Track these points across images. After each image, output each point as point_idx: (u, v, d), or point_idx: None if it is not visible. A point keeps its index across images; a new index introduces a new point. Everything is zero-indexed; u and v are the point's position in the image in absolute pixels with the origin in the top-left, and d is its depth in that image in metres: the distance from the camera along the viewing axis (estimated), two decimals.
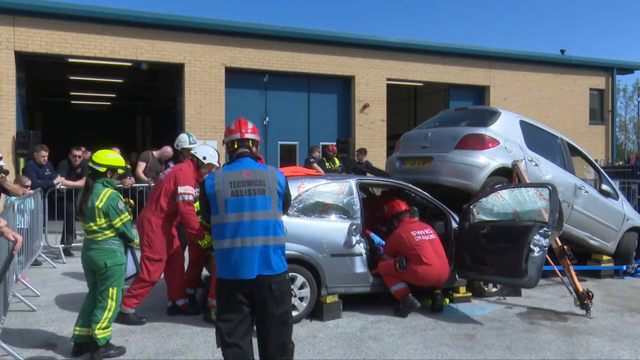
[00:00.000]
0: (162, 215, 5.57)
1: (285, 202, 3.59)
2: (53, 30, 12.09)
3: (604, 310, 6.27)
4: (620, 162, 21.13)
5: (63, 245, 8.83)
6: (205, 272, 6.27)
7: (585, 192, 7.76)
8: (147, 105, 23.64)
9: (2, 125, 11.66)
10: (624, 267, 8.23)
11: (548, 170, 7.39)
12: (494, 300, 6.58)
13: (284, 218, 3.60)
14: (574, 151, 8.18)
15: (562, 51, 19.33)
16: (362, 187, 6.67)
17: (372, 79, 15.39)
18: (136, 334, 5.13)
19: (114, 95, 21.67)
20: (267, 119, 14.44)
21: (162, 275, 5.74)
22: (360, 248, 5.86)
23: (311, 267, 5.60)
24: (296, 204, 5.66)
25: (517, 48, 34.58)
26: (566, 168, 7.73)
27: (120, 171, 4.79)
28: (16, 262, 6.02)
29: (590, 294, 6.13)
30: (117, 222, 4.56)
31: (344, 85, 15.50)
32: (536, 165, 7.26)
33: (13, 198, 6.93)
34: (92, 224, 4.53)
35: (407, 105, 20.53)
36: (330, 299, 5.69)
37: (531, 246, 5.44)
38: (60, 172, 8.88)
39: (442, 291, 6.14)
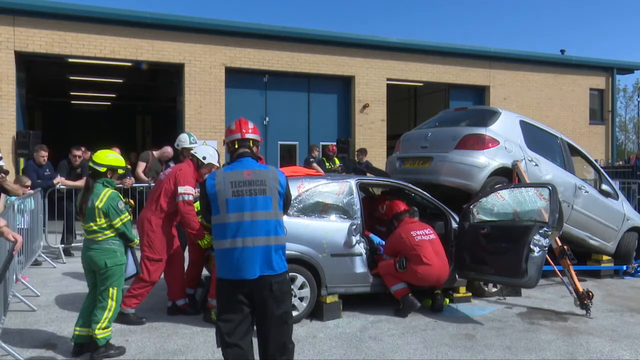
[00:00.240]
0: (162, 215, 5.57)
1: (285, 202, 3.59)
2: (53, 30, 12.09)
3: (604, 310, 6.27)
4: (620, 162, 21.13)
5: (63, 245, 8.83)
6: (205, 272, 6.27)
7: (585, 192, 7.76)
8: (147, 105, 23.64)
9: (2, 125, 11.67)
10: (624, 267, 8.23)
11: (548, 170, 7.39)
12: (494, 300, 6.58)
13: (284, 218, 3.60)
14: (574, 151, 8.18)
15: (562, 51, 19.33)
16: (362, 187, 6.66)
17: (372, 79, 15.39)
18: (136, 334, 5.13)
19: (114, 95, 21.67)
20: (267, 119, 14.44)
21: (162, 275, 5.74)
22: (360, 248, 5.86)
23: (311, 267, 5.60)
24: (296, 204, 5.66)
25: (517, 48, 34.63)
26: (566, 168, 7.73)
27: (120, 171, 4.79)
28: (16, 262, 6.02)
29: (590, 294, 6.13)
30: (117, 222, 4.56)
31: (344, 85, 15.51)
32: (536, 165, 7.26)
33: (13, 198, 6.94)
34: (92, 224, 4.53)
35: (407, 105, 20.53)
36: (330, 299, 5.69)
37: (531, 246, 5.44)
38: (60, 172, 8.88)
39: (442, 291, 6.14)
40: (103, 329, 4.46)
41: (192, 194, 5.55)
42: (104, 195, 4.54)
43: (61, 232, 9.00)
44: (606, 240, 8.08)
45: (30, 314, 5.70)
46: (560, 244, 6.44)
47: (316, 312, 5.67)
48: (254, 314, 3.39)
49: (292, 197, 5.37)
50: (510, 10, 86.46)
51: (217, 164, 5.77)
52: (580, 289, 6.09)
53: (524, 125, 7.53)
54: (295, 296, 5.41)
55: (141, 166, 8.93)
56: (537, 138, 7.60)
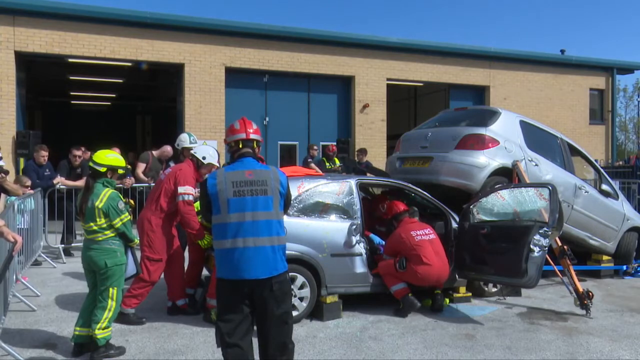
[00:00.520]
0: (162, 215, 5.57)
1: (285, 202, 3.59)
2: (53, 30, 12.08)
3: (604, 310, 6.27)
4: (620, 162, 21.12)
5: (63, 245, 8.83)
6: (205, 272, 6.27)
7: (585, 192, 7.76)
8: (147, 105, 23.64)
9: (2, 125, 11.66)
10: (624, 267, 8.23)
11: (548, 170, 7.39)
12: (494, 300, 6.58)
13: (284, 218, 3.60)
14: (574, 151, 8.18)
15: (562, 51, 19.32)
16: (362, 187, 6.66)
17: (372, 79, 15.39)
18: (136, 334, 5.13)
19: (114, 95, 21.67)
20: (267, 119, 14.44)
21: (162, 275, 5.74)
22: (360, 248, 5.86)
23: (311, 267, 5.59)
24: (296, 204, 5.66)
25: (517, 48, 34.61)
26: (566, 168, 7.73)
27: (120, 171, 4.79)
28: (16, 262, 6.02)
29: (590, 294, 6.13)
30: (117, 222, 4.56)
31: (344, 85, 15.50)
32: (536, 165, 7.26)
33: (13, 198, 6.94)
34: (92, 224, 4.53)
35: (407, 105, 20.52)
36: (330, 299, 5.69)
37: (531, 246, 5.44)
38: (60, 172, 8.88)
39: (442, 291, 6.14)
40: (103, 329, 4.46)
41: (192, 194, 5.55)
42: (104, 195, 4.54)
43: (61, 232, 9.00)
44: (606, 240, 8.08)
45: (30, 314, 5.69)
46: (560, 244, 6.44)
47: (316, 312, 5.67)
48: (254, 314, 3.39)
49: (292, 197, 5.38)
50: (510, 10, 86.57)
51: (217, 164, 5.78)
52: (580, 289, 6.09)
53: (524, 125, 7.53)
54: (295, 296, 5.41)
55: (141, 167, 8.94)
56: (537, 138, 7.60)
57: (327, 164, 12.01)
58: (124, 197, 5.45)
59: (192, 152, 6.01)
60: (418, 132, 8.16)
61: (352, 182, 6.11)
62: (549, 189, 5.80)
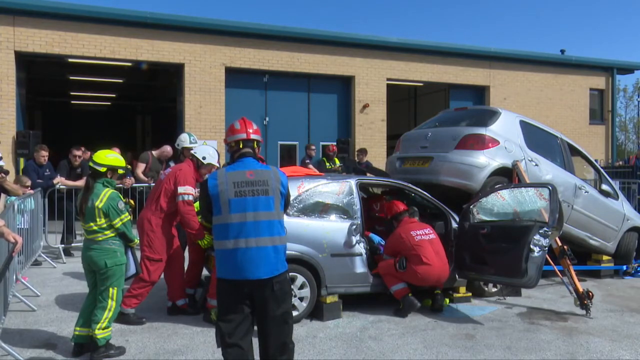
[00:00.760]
0: (162, 215, 5.57)
1: (285, 202, 3.59)
2: (53, 30, 12.08)
3: (604, 310, 6.27)
4: (620, 162, 21.10)
5: (63, 245, 8.83)
6: (205, 272, 6.27)
7: (585, 192, 7.76)
8: (147, 105, 23.64)
9: (2, 125, 11.66)
10: (624, 267, 8.24)
11: (548, 170, 7.39)
12: (494, 300, 6.58)
13: (284, 218, 3.60)
14: (574, 151, 8.18)
15: (562, 51, 19.32)
16: (362, 187, 6.66)
17: (372, 79, 15.39)
18: (136, 334, 5.13)
19: (114, 95, 21.67)
20: (267, 119, 14.44)
21: (162, 275, 5.74)
22: (360, 248, 5.86)
23: (311, 267, 5.59)
24: (296, 204, 5.66)
25: (517, 48, 34.62)
26: (566, 168, 7.73)
27: (120, 171, 4.79)
28: (16, 262, 6.02)
29: (590, 294, 6.13)
30: (117, 222, 4.56)
31: (344, 85, 15.50)
32: (536, 165, 7.26)
33: (13, 198, 6.94)
34: (92, 224, 4.53)
35: (407, 105, 20.52)
36: (330, 299, 5.69)
37: (531, 246, 5.44)
38: (60, 172, 8.89)
39: (442, 291, 6.14)
40: (103, 329, 4.46)
41: (192, 194, 5.55)
42: (104, 195, 4.54)
43: (61, 232, 9.00)
44: (606, 240, 8.08)
45: (30, 314, 5.70)
46: (560, 244, 6.44)
47: (316, 312, 5.67)
48: (254, 314, 3.39)
49: (292, 197, 5.39)
50: (510, 10, 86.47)
51: (217, 164, 5.78)
52: (580, 289, 6.09)
53: (524, 125, 7.53)
54: (295, 296, 5.41)
55: (141, 167, 8.94)
56: (537, 138, 7.61)
57: (327, 164, 12.02)
58: (124, 197, 5.45)
59: (192, 152, 6.01)
60: (418, 132, 8.16)
61: (352, 182, 6.11)
62: (549, 189, 5.80)
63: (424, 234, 5.92)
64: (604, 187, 8.19)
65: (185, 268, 5.98)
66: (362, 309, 5.99)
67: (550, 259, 6.56)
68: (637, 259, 8.46)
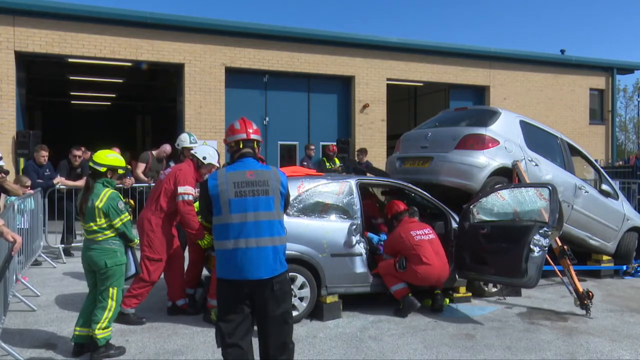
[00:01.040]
0: (162, 215, 5.57)
1: (285, 202, 3.59)
2: (53, 30, 12.08)
3: (604, 310, 6.27)
4: (620, 162, 21.11)
5: (63, 245, 8.84)
6: (205, 272, 6.27)
7: (585, 192, 7.76)
8: (147, 105, 23.64)
9: (2, 125, 11.66)
10: (624, 267, 8.24)
11: (548, 170, 7.39)
12: (494, 300, 6.58)
13: (284, 218, 3.60)
14: (574, 151, 8.18)
15: (562, 51, 19.32)
16: (362, 187, 6.66)
17: (372, 79, 15.39)
18: (136, 334, 5.13)
19: (114, 95, 21.67)
20: (267, 119, 14.44)
21: (162, 275, 5.74)
22: (360, 248, 5.86)
23: (311, 267, 5.59)
24: (296, 204, 5.66)
25: (517, 48, 34.62)
26: (566, 168, 7.73)
27: (120, 171, 4.79)
28: (16, 262, 6.02)
29: (590, 294, 6.13)
30: (117, 222, 4.56)
31: (344, 85, 15.50)
32: (536, 165, 7.26)
33: (13, 198, 6.94)
34: (92, 224, 4.53)
35: (407, 105, 20.52)
36: (330, 299, 5.69)
37: (531, 246, 5.44)
38: (60, 172, 8.89)
39: (442, 291, 6.14)
40: (103, 329, 4.46)
41: (192, 194, 5.55)
42: (104, 195, 4.54)
43: (61, 232, 9.00)
44: (606, 240, 8.08)
45: (30, 314, 5.69)
46: (560, 244, 6.44)
47: (316, 312, 5.67)
48: (254, 314, 3.39)
49: (292, 197, 5.38)
50: (510, 10, 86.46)
51: (217, 164, 5.78)
52: (580, 289, 6.09)
53: (524, 125, 7.53)
54: (295, 296, 5.41)
55: (140, 167, 8.95)
56: (537, 138, 7.61)
57: (327, 164, 12.02)
58: (124, 197, 5.45)
59: (192, 152, 6.01)
60: (418, 132, 8.16)
61: (352, 182, 6.11)
62: (549, 189, 5.80)
63: (424, 234, 5.92)
64: (604, 187, 8.19)
65: (185, 268, 5.98)
66: (362, 309, 5.99)
67: (550, 259, 6.56)
68: (637, 259, 8.46)
